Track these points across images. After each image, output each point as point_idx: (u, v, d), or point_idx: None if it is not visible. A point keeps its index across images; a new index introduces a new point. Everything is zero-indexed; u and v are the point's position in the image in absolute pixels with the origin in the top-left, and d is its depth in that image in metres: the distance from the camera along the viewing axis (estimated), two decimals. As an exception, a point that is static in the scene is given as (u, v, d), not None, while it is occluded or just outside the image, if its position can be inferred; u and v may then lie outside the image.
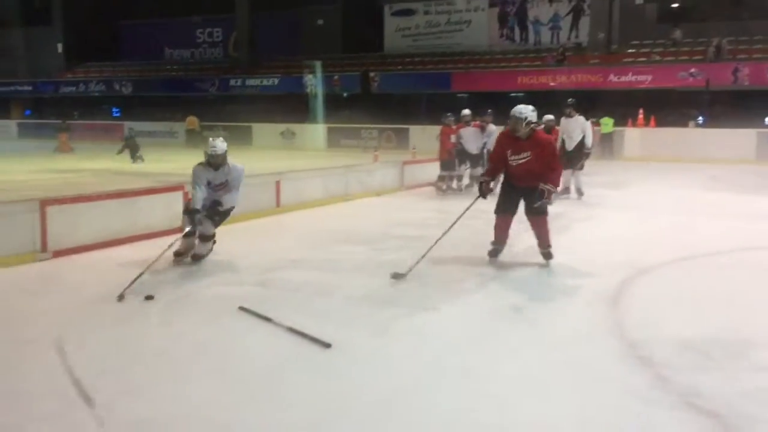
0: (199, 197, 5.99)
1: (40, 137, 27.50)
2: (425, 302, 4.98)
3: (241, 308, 4.72)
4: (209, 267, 5.98)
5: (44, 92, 36.77)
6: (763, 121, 20.75)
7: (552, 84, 23.82)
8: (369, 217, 9.38)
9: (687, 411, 3.19)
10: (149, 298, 4.89)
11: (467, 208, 6.16)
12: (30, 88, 37.09)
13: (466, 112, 11.94)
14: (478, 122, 11.96)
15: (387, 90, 27.85)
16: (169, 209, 7.33)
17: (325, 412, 3.17)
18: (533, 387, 3.50)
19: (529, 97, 23.36)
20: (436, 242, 5.91)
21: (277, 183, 9.49)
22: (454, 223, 6.11)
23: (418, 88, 27.16)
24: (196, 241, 6.10)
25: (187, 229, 5.94)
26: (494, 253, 6.21)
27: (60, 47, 37.68)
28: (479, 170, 11.78)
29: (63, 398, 3.29)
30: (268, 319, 4.47)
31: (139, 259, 5.77)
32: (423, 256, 5.72)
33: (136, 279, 5.07)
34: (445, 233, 6.02)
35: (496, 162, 6.25)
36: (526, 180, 5.90)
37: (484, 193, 6.12)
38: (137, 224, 7.08)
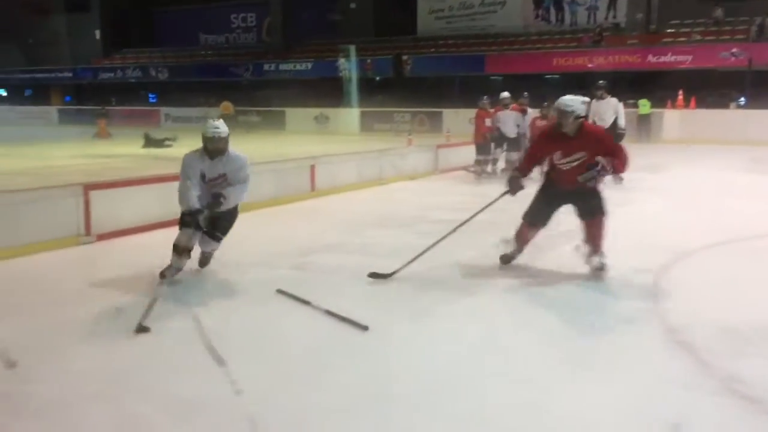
0: (194, 194, 4.83)
1: (80, 123, 28.06)
2: (463, 286, 5.00)
3: (279, 291, 4.80)
4: (245, 250, 6.00)
5: (83, 79, 37.49)
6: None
7: (589, 65, 23.40)
8: (403, 202, 9.40)
9: (728, 396, 3.16)
10: (143, 329, 3.98)
11: (487, 205, 5.56)
12: (70, 74, 37.83)
13: (506, 94, 11.80)
14: (516, 105, 11.86)
15: (420, 73, 27.71)
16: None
17: (362, 395, 3.21)
18: (572, 371, 3.50)
19: (565, 80, 23.11)
20: (434, 244, 5.36)
21: (312, 167, 9.57)
22: (463, 223, 5.52)
23: (451, 71, 26.95)
24: (202, 253, 5.23)
25: (188, 232, 4.91)
26: (507, 259, 5.53)
27: (98, 34, 38.33)
28: (515, 155, 11.71)
29: (109, 378, 3.40)
30: (306, 302, 4.53)
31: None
32: (413, 260, 5.20)
33: (149, 308, 4.21)
34: (450, 233, 5.48)
35: (533, 160, 5.44)
36: (578, 183, 5.05)
37: (513, 189, 5.33)
38: (177, 208, 7.20)
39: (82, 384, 3.32)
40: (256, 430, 2.87)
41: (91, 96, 34.81)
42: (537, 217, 5.33)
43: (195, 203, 4.80)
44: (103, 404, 3.11)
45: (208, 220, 5.01)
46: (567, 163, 5.09)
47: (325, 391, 3.25)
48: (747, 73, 20.57)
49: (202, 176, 4.91)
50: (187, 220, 4.88)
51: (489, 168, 11.94)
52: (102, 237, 6.50)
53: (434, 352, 3.76)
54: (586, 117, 5.17)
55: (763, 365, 3.51)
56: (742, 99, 20.95)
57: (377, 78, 28.96)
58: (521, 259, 5.61)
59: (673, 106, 20.94)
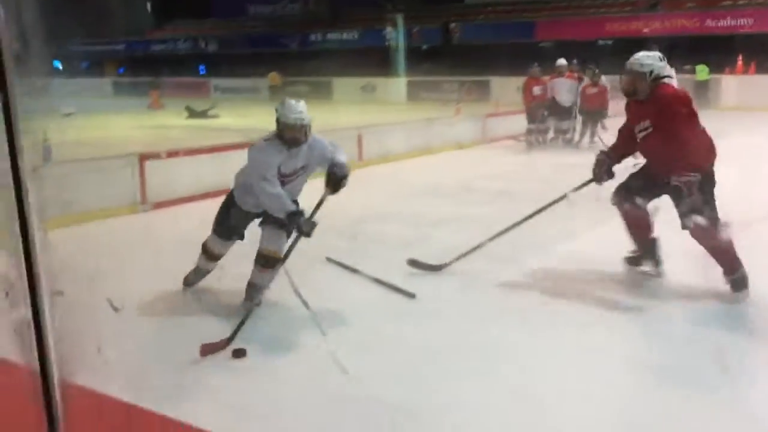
0: (281, 191, 3.80)
1: (134, 95, 28.69)
2: (513, 257, 4.92)
3: (328, 259, 4.89)
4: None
5: (136, 50, 38.26)
6: None
7: (644, 31, 22.67)
8: (452, 171, 9.39)
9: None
10: (239, 354, 3.34)
11: (567, 194, 4.55)
12: (123, 47, 38.64)
13: (562, 62, 11.57)
14: (571, 73, 11.63)
15: (468, 41, 27.32)
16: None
17: (407, 361, 3.28)
18: (618, 339, 3.49)
19: (619, 45, 22.45)
20: (497, 235, 4.65)
21: (359, 137, 9.61)
22: (534, 214, 4.64)
23: (500, 39, 26.48)
24: (256, 269, 4.00)
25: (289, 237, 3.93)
26: (633, 261, 4.49)
27: (149, 6, 38.95)
28: (566, 123, 11.51)
29: (171, 339, 3.56)
30: (354, 270, 4.61)
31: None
32: (472, 251, 4.62)
33: (240, 326, 3.51)
34: (516, 225, 4.65)
35: (623, 138, 4.32)
36: (659, 166, 4.01)
37: (598, 175, 4.30)
38: (230, 177, 7.36)
39: (145, 345, 3.49)
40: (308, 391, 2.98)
41: (143, 68, 35.50)
42: (630, 188, 4.22)
43: (291, 204, 3.81)
44: (165, 365, 3.26)
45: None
46: (639, 134, 4.09)
47: (374, 355, 3.34)
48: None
49: (278, 172, 3.83)
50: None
51: (540, 137, 11.76)
52: (159, 205, 6.73)
53: (481, 320, 3.80)
54: (666, 77, 4.03)
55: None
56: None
57: (424, 47, 28.68)
58: (570, 231, 5.50)
59: (732, 72, 20.17)
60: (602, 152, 4.39)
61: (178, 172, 7.04)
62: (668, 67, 4.00)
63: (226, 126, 16.12)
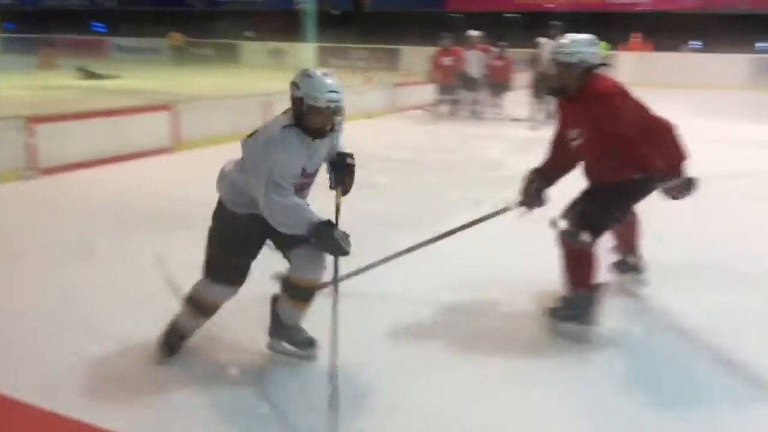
0: (298, 201, 2.72)
1: (21, 52, 26.82)
2: (430, 225, 4.67)
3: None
4: (198, 191, 5.83)
5: (26, 4, 35.66)
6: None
7: (548, 5, 23.27)
8: (360, 139, 9.27)
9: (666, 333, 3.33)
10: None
11: (483, 218, 3.68)
12: (10, 0, 35.90)
13: (473, 33, 11.65)
14: (482, 45, 11.72)
15: (379, 8, 27.16)
16: (158, 129, 7.34)
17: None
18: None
19: (525, 19, 22.96)
20: (398, 254, 3.74)
21: (270, 104, 9.36)
22: (443, 235, 3.75)
23: (411, 7, 26.50)
24: (287, 304, 2.95)
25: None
26: (619, 266, 3.79)
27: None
28: (473, 95, 11.63)
29: (58, 313, 3.36)
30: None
31: (129, 180, 5.70)
32: (369, 266, 3.70)
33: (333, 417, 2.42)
34: (422, 245, 3.77)
35: (556, 150, 3.44)
36: (595, 175, 3.33)
37: (527, 200, 3.43)
38: (126, 143, 7.00)
39: (35, 317, 3.28)
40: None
41: (33, 24, 33.16)
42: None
43: (314, 213, 2.69)
44: (55, 342, 3.09)
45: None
46: (572, 141, 3.26)
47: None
48: (703, 16, 20.79)
49: (302, 171, 2.76)
50: (327, 242, 2.63)
51: (449, 108, 11.84)
52: (47, 171, 6.31)
53: (400, 296, 3.75)
54: (600, 66, 3.22)
55: (682, 298, 3.68)
56: (694, 42, 21.20)
57: (334, 12, 28.27)
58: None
59: (626, 49, 21.06)
60: (533, 170, 3.45)
61: (70, 136, 6.61)
62: (600, 52, 3.22)
63: (125, 88, 15.34)
